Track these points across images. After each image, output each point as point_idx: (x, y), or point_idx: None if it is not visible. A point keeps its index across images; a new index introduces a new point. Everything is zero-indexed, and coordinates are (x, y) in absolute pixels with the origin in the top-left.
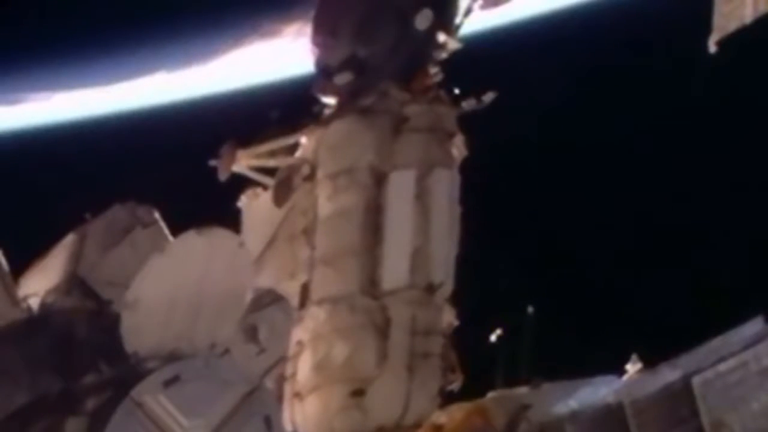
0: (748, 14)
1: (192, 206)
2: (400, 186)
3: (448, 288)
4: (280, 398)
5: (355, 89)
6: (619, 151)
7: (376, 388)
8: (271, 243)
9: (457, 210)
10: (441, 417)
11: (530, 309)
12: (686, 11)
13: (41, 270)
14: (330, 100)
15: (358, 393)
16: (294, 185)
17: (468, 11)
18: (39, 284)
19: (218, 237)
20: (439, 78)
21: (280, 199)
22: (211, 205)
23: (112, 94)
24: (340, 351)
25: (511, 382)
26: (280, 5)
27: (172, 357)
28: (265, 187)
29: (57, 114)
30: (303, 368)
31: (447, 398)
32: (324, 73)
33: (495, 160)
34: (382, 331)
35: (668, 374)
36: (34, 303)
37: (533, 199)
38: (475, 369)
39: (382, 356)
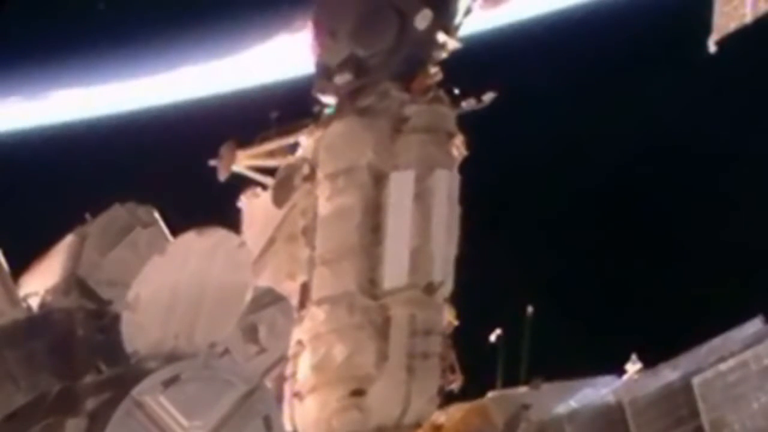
0: (748, 14)
1: (192, 206)
2: (400, 186)
3: (447, 288)
4: (280, 398)
5: (355, 89)
6: (619, 150)
7: (375, 388)
8: (271, 243)
9: (457, 210)
10: (441, 417)
11: (530, 309)
12: (686, 11)
13: (41, 270)
14: (330, 100)
15: (358, 393)
16: (294, 185)
17: (468, 11)
18: (39, 284)
19: (218, 237)
20: (439, 78)
21: (280, 199)
22: (211, 205)
23: (114, 93)
24: (339, 351)
25: (511, 382)
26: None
27: (172, 357)
28: (265, 187)
29: (57, 114)
30: (303, 368)
31: (447, 398)
32: (324, 73)
33: (495, 160)
34: (382, 331)
35: (668, 374)
36: (34, 303)
37: (533, 199)
38: (475, 369)
39: (382, 356)
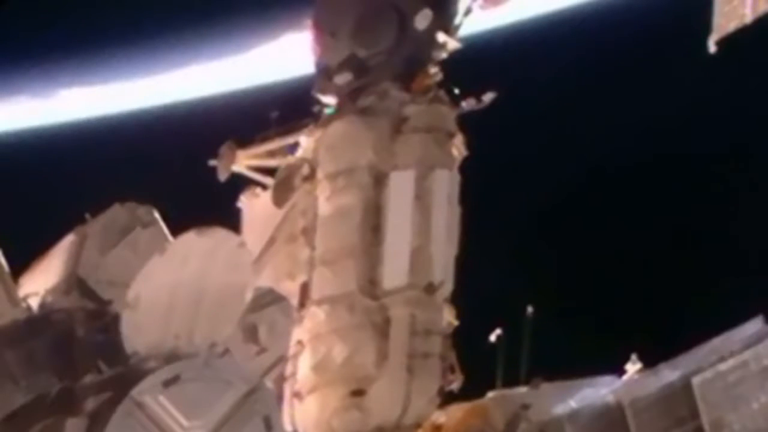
0: (748, 14)
1: (192, 206)
2: (400, 186)
3: (447, 288)
4: (280, 398)
5: (355, 89)
6: (619, 150)
7: (375, 388)
8: (271, 243)
9: (457, 210)
10: (440, 417)
11: (530, 309)
12: (686, 11)
13: (41, 270)
14: (330, 100)
15: (358, 393)
16: (294, 185)
17: (468, 11)
18: (39, 284)
19: (218, 237)
20: (439, 78)
21: (280, 199)
22: (211, 205)
23: (113, 93)
24: (339, 351)
25: (511, 382)
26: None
27: (172, 357)
28: (265, 187)
29: (57, 114)
30: (303, 368)
31: (447, 398)
32: (324, 73)
33: (495, 160)
34: (382, 331)
35: (668, 374)
36: (34, 303)
37: (533, 199)
38: (475, 369)
39: (382, 356)
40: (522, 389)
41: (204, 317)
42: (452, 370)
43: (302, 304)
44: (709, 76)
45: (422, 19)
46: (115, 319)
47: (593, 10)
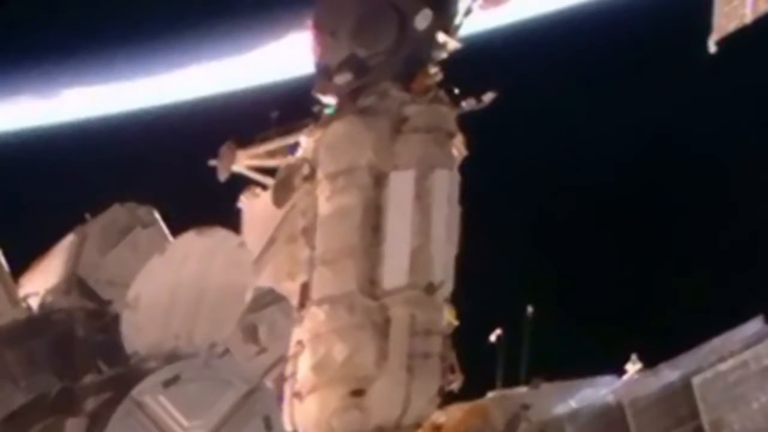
0: (748, 14)
1: (192, 206)
2: (400, 186)
3: (447, 288)
4: (280, 398)
5: (355, 89)
6: (619, 150)
7: (375, 388)
8: (271, 243)
9: (457, 210)
10: (440, 417)
11: (530, 309)
12: (686, 11)
13: (41, 270)
14: (330, 100)
15: (358, 393)
16: (294, 185)
17: (468, 11)
18: (39, 284)
19: (218, 237)
20: (439, 78)
21: (280, 199)
22: (211, 205)
23: (113, 93)
24: (339, 351)
25: (511, 382)
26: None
27: (172, 357)
28: (265, 187)
29: (57, 114)
30: (303, 368)
31: (447, 398)
32: (324, 73)
33: (495, 160)
34: (382, 331)
35: (668, 374)
36: (34, 303)
37: (533, 198)
38: (475, 369)
39: (382, 356)
40: (522, 389)
41: (204, 317)
42: (452, 370)
43: (302, 304)
44: (709, 76)
45: (422, 19)
46: (115, 319)
47: (593, 10)
